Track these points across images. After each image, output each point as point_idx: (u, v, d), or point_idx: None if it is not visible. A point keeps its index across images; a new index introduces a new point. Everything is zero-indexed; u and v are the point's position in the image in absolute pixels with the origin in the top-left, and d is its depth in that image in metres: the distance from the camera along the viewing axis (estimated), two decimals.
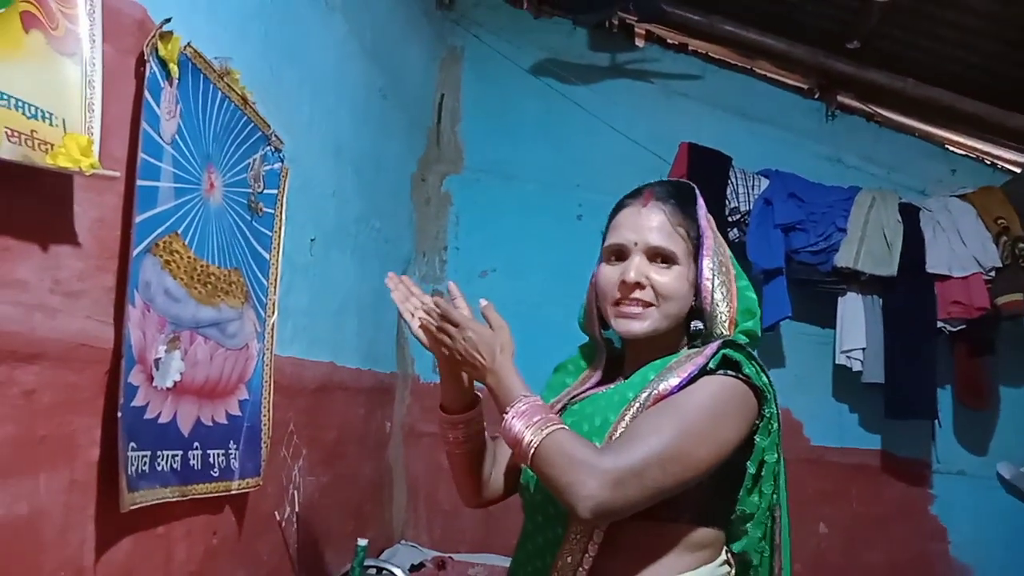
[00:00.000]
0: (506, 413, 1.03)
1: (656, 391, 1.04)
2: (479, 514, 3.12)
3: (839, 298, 3.09)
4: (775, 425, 1.08)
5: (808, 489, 3.16)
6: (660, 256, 1.11)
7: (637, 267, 1.10)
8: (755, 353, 1.10)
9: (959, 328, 3.02)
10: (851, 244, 2.91)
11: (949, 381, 3.23)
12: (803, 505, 3.14)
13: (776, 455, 1.08)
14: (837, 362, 3.11)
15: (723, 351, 1.08)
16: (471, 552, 2.94)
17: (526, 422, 1.01)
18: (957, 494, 3.30)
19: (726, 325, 1.13)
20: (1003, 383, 3.31)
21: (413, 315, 1.22)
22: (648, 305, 1.11)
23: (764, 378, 1.08)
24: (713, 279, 1.12)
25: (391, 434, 3.03)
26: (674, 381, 1.04)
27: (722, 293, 1.12)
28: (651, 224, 1.12)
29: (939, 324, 3.00)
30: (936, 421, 3.13)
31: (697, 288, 1.13)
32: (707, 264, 1.13)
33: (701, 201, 1.17)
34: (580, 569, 1.02)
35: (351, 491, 2.47)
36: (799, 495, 3.33)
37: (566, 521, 1.04)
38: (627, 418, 1.03)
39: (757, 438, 1.07)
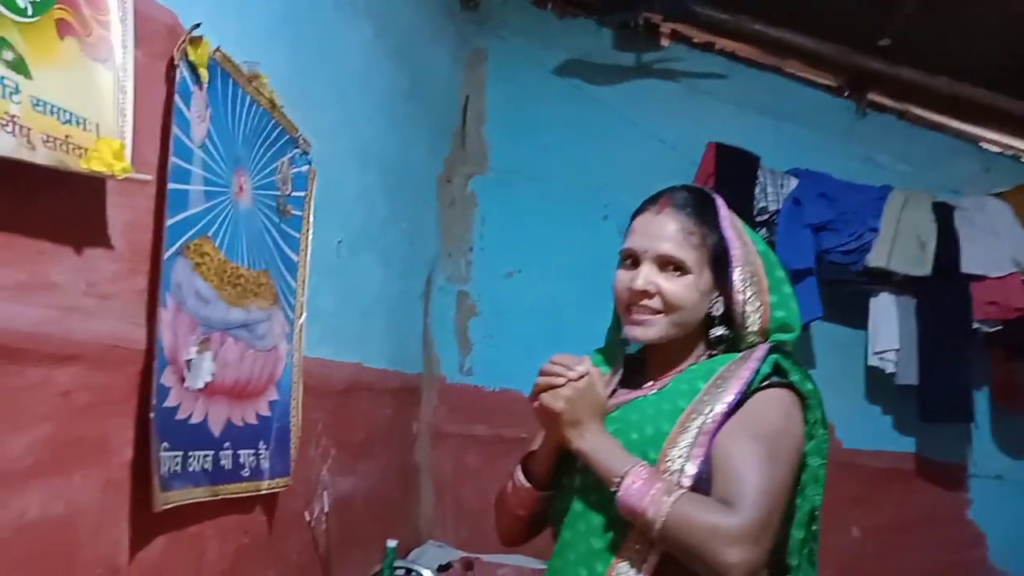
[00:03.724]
0: (617, 481, 1.00)
1: (721, 403, 1.03)
2: None
3: (871, 298, 3.03)
4: (820, 431, 1.08)
5: (840, 493, 3.07)
6: (671, 264, 1.11)
7: (646, 275, 1.10)
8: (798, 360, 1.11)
9: (995, 329, 2.95)
10: (883, 244, 2.86)
11: (986, 383, 3.16)
12: (835, 509, 3.05)
13: (820, 459, 1.08)
14: (869, 363, 3.06)
15: (774, 356, 1.08)
16: (498, 553, 2.94)
17: (644, 494, 0.97)
18: (995, 498, 3.21)
19: (756, 335, 1.13)
20: None
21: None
22: (656, 313, 1.11)
23: (809, 385, 1.09)
24: (745, 291, 1.12)
25: (417, 435, 3.04)
26: (731, 395, 1.04)
27: (754, 306, 1.12)
28: (663, 232, 1.11)
29: (975, 325, 2.93)
30: (972, 424, 3.06)
31: (729, 300, 1.13)
32: (737, 276, 1.12)
33: (724, 210, 1.16)
34: None
35: (379, 491, 2.48)
36: (830, 499, 3.23)
37: (620, 528, 1.02)
38: (691, 431, 1.02)
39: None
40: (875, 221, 2.88)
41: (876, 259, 2.87)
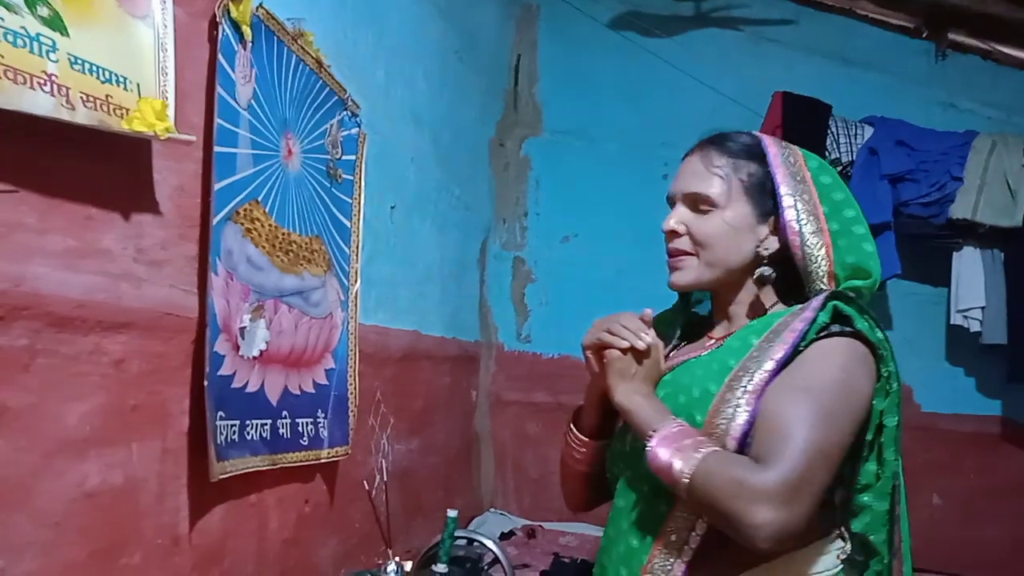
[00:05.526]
0: (650, 437, 0.93)
1: (770, 360, 0.94)
2: None
3: (954, 253, 2.85)
4: (895, 385, 0.98)
5: (918, 458, 2.94)
6: (697, 201, 1.04)
7: (675, 216, 1.05)
8: (866, 306, 1.00)
9: None
10: (968, 194, 2.66)
11: None
12: (913, 475, 2.86)
13: (896, 418, 0.98)
14: (952, 322, 2.89)
15: (832, 303, 0.97)
16: (560, 521, 2.91)
17: (674, 447, 0.90)
18: None
19: (825, 280, 1.02)
20: None
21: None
22: (687, 254, 1.04)
23: (879, 334, 0.98)
24: (800, 229, 1.01)
25: (477, 403, 3.02)
26: (781, 350, 0.95)
27: (815, 246, 1.01)
28: (690, 169, 1.06)
29: None
30: None
31: (784, 239, 1.03)
32: (788, 212, 1.01)
33: (773, 147, 1.06)
34: (686, 547, 0.94)
35: (439, 460, 2.47)
36: (908, 464, 3.12)
37: (669, 497, 0.96)
38: (737, 390, 0.94)
39: (875, 401, 0.97)
40: (959, 169, 2.69)
41: (960, 210, 2.68)
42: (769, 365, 0.93)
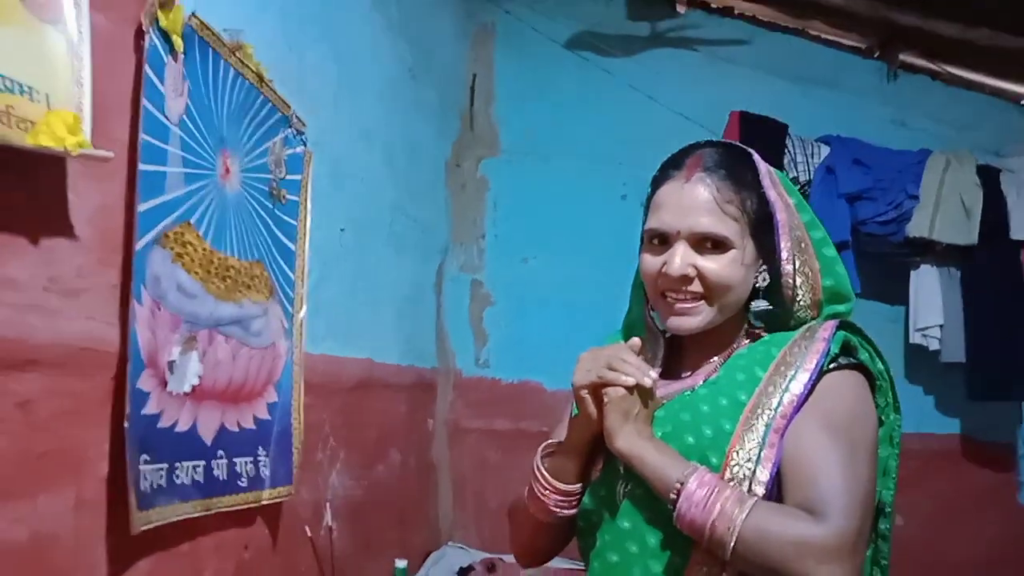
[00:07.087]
0: (675, 492, 0.85)
1: (789, 394, 0.90)
2: None
3: (912, 271, 2.87)
4: (891, 416, 0.97)
5: None
6: (708, 241, 0.95)
7: (682, 257, 0.95)
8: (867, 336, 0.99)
9: None
10: (925, 212, 2.68)
11: None
12: None
13: (890, 448, 0.96)
14: (911, 341, 2.90)
15: (841, 334, 0.95)
16: None
17: (711, 505, 0.83)
18: None
19: (809, 311, 1.00)
20: None
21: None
22: (699, 298, 0.96)
23: (879, 365, 0.97)
24: (793, 260, 0.97)
25: (434, 432, 2.91)
26: (800, 385, 0.90)
27: (804, 276, 0.99)
28: (696, 204, 0.95)
29: None
30: (1022, 402, 2.89)
31: (778, 272, 0.99)
32: (784, 243, 0.97)
33: (763, 166, 1.01)
34: None
35: (394, 493, 2.36)
36: None
37: (684, 549, 0.87)
38: (758, 429, 0.88)
39: None
40: (914, 188, 2.71)
41: (917, 228, 2.70)
42: (789, 399, 0.89)
